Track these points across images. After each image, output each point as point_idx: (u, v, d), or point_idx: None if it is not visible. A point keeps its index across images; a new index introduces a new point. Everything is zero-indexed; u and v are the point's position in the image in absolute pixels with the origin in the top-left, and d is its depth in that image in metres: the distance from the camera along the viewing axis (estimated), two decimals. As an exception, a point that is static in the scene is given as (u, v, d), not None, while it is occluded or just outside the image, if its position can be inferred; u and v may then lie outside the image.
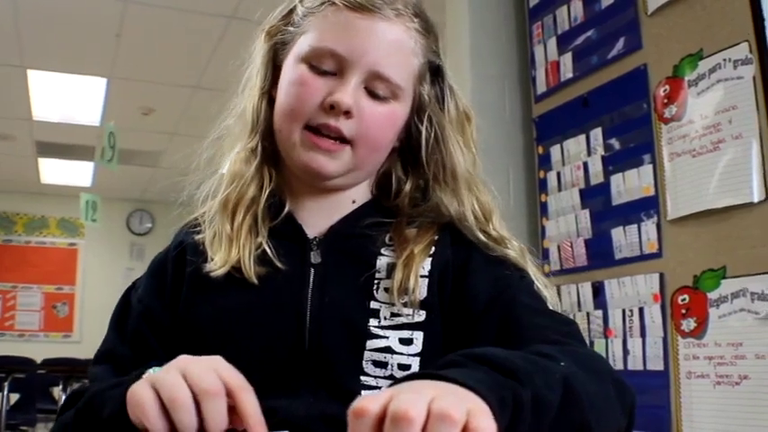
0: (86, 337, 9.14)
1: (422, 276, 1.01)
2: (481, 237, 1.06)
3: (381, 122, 1.04)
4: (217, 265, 1.02)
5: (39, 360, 8.03)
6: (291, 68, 1.05)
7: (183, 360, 0.77)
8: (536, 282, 1.06)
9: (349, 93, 1.00)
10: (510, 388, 0.69)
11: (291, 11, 1.10)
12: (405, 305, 0.99)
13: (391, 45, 1.02)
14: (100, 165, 5.68)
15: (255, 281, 1.01)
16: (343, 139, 1.02)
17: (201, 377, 0.74)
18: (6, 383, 6.09)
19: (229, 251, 1.03)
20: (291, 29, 1.08)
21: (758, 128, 2.11)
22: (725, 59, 2.22)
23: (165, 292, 1.07)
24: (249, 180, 1.08)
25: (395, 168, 1.14)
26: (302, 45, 1.04)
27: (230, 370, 0.76)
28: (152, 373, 0.83)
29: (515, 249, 1.07)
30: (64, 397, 5.86)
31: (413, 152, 1.13)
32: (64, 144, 7.59)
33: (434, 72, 1.11)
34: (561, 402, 0.74)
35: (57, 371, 6.98)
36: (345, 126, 1.01)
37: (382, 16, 1.01)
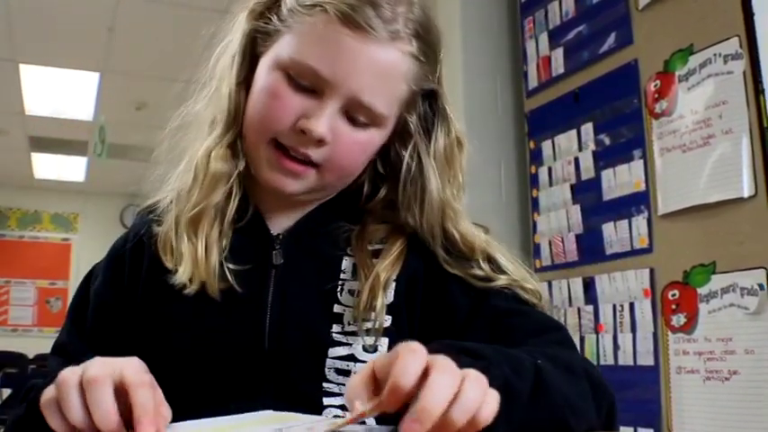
0: (80, 333, 9.10)
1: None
2: (455, 273, 1.00)
3: (356, 150, 0.98)
4: (182, 278, 0.96)
5: (31, 355, 8.02)
6: (267, 73, 0.96)
7: (91, 360, 0.72)
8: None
9: (324, 121, 0.92)
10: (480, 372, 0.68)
11: None
12: (367, 331, 0.95)
13: (379, 72, 0.93)
14: (93, 159, 5.67)
15: (218, 296, 0.96)
16: (310, 163, 0.96)
17: (93, 370, 0.68)
18: (-2, 378, 6.08)
19: (196, 266, 0.96)
20: (276, 21, 0.97)
21: (748, 123, 2.11)
22: (715, 54, 2.22)
23: (123, 284, 1.03)
24: (231, 183, 1.00)
25: (367, 173, 1.07)
26: (283, 50, 0.95)
27: (133, 368, 0.70)
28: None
29: (504, 280, 1.00)
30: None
31: (389, 165, 1.06)
32: (57, 139, 7.57)
33: (427, 95, 1.03)
34: (532, 391, 0.73)
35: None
36: (315, 152, 0.94)
37: (375, 38, 0.91)
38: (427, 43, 0.98)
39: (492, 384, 0.65)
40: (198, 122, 1.05)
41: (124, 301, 1.02)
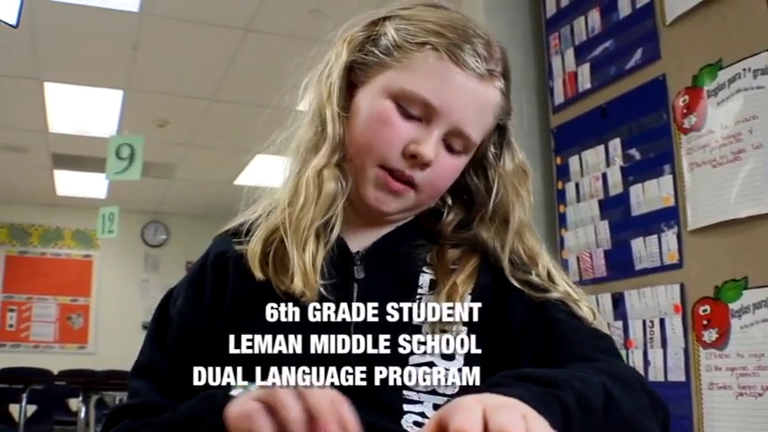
0: (101, 349, 9.18)
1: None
2: (515, 283, 1.06)
3: (449, 173, 1.07)
4: (298, 287, 1.00)
5: (56, 371, 8.06)
6: (375, 101, 1.04)
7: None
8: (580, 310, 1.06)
9: (432, 145, 1.01)
10: (552, 395, 0.73)
11: (376, 24, 1.08)
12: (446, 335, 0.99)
13: (479, 105, 1.03)
14: (117, 177, 5.69)
15: (314, 316, 0.98)
16: (410, 184, 1.03)
17: (314, 394, 0.75)
18: (25, 395, 6.11)
19: (306, 278, 1.00)
20: (378, 53, 1.05)
21: (779, 138, 2.10)
22: (744, 69, 2.22)
23: (205, 304, 1.07)
24: (338, 204, 1.05)
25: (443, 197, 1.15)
26: (394, 81, 1.03)
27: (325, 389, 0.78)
28: (241, 390, 0.84)
29: (560, 292, 1.06)
30: (83, 409, 5.84)
31: (462, 190, 1.14)
32: (79, 156, 7.63)
33: (497, 127, 1.12)
34: (604, 405, 0.77)
35: (75, 383, 7.00)
36: (418, 175, 1.03)
37: (478, 75, 1.01)
38: (509, 81, 1.09)
39: (564, 401, 0.69)
40: (295, 146, 1.11)
41: (208, 317, 1.06)
